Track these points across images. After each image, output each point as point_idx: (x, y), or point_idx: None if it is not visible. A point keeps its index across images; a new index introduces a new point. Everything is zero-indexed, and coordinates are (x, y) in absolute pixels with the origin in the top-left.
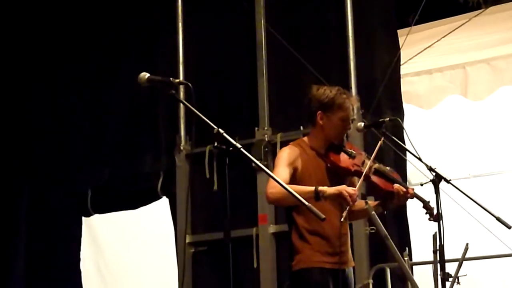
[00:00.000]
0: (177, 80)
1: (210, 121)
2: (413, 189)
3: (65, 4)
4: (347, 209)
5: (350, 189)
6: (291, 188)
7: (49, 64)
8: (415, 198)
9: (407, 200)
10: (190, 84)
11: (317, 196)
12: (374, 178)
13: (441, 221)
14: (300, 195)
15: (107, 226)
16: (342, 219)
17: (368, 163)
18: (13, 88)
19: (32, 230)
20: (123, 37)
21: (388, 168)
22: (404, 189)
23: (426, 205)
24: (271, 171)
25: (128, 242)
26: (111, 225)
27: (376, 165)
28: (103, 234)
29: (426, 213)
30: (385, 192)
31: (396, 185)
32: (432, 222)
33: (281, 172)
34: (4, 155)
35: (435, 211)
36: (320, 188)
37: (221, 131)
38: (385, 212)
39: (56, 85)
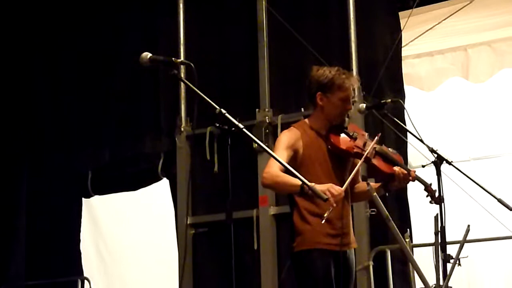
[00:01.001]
0: (179, 60)
1: (207, 100)
2: (414, 172)
3: None
4: (330, 210)
5: (336, 189)
6: (283, 177)
7: (50, 45)
8: (416, 181)
9: (408, 182)
10: (192, 64)
11: (301, 191)
12: (375, 161)
13: (442, 204)
14: (286, 185)
15: (107, 207)
16: (322, 221)
17: (370, 145)
18: (14, 69)
19: (32, 212)
20: (124, 18)
21: (390, 149)
22: (405, 172)
23: (427, 187)
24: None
25: (128, 224)
26: (111, 206)
27: (378, 147)
28: (103, 215)
29: (427, 196)
30: (385, 175)
31: (397, 168)
32: (433, 204)
33: (279, 154)
34: (4, 137)
35: (436, 194)
36: (310, 184)
37: (223, 111)
38: (387, 194)
39: (57, 65)
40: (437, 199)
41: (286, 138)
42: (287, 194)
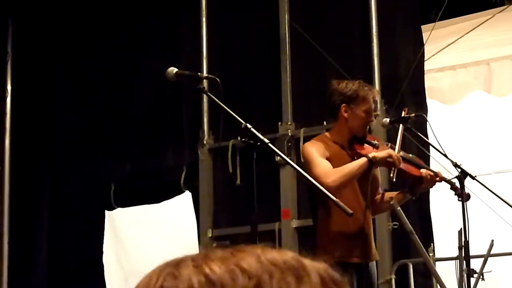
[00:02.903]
0: (205, 75)
1: (233, 114)
2: (440, 172)
3: None
4: (394, 170)
5: (396, 152)
6: (342, 169)
7: (73, 56)
8: (442, 182)
9: (435, 183)
10: (217, 79)
11: (370, 163)
12: (402, 165)
13: (465, 214)
14: (356, 169)
15: (130, 220)
16: (393, 178)
17: (395, 151)
18: (37, 79)
19: (55, 224)
20: (146, 31)
21: (411, 155)
22: (432, 174)
23: (453, 186)
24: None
25: (150, 236)
26: (133, 219)
27: (402, 153)
28: (126, 228)
29: (455, 194)
30: (413, 178)
31: (424, 170)
32: (456, 214)
33: (321, 161)
34: (27, 149)
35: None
36: (371, 154)
37: (248, 125)
38: (413, 198)
39: (80, 78)
40: (466, 197)
41: (315, 149)
42: (310, 206)
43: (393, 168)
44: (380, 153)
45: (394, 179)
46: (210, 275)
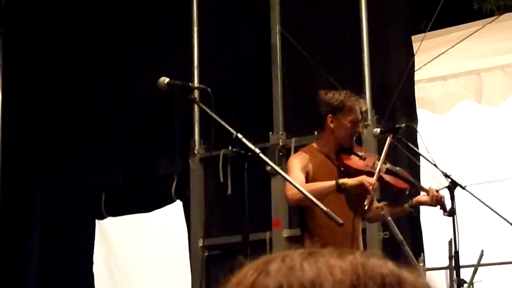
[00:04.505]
0: (197, 85)
1: (224, 124)
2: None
3: (78, 8)
4: (369, 197)
5: (370, 179)
6: (311, 186)
7: (65, 66)
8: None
9: (436, 206)
10: (209, 89)
11: (339, 188)
12: (387, 177)
13: (455, 224)
14: (322, 190)
15: (121, 229)
16: (366, 207)
17: (379, 163)
18: (28, 89)
19: (46, 233)
20: (138, 41)
21: (398, 168)
22: (439, 196)
23: (442, 206)
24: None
25: (141, 246)
26: (124, 228)
27: (388, 165)
28: (116, 237)
29: (440, 209)
30: (398, 190)
31: (432, 188)
32: (446, 224)
33: (297, 175)
34: (18, 157)
35: (448, 206)
36: (341, 180)
37: (239, 136)
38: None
39: (71, 86)
40: (450, 212)
41: (298, 161)
42: (298, 216)
43: (368, 196)
44: (351, 180)
45: (366, 207)
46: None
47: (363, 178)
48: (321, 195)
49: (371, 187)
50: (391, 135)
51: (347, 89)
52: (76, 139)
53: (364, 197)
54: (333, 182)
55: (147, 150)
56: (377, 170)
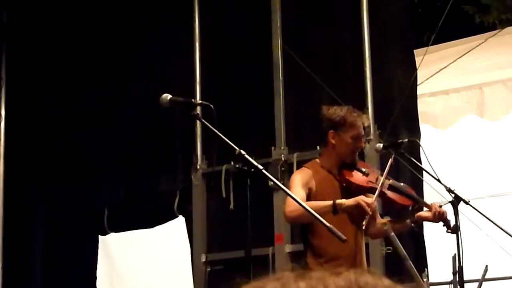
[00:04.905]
0: (199, 102)
1: (227, 141)
2: (439, 206)
3: (77, 19)
4: (367, 218)
5: (368, 199)
6: (308, 204)
7: (64, 82)
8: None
9: (439, 222)
10: (211, 106)
11: (334, 209)
12: (390, 193)
13: (459, 239)
14: (317, 210)
15: (123, 244)
16: (363, 227)
17: (381, 179)
18: (31, 105)
19: (48, 249)
20: (139, 56)
21: (401, 184)
22: (442, 211)
23: (446, 223)
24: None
25: (144, 261)
26: (127, 244)
27: (391, 181)
28: (119, 252)
29: (443, 225)
30: (401, 206)
31: (435, 205)
32: (450, 239)
33: (298, 191)
34: (20, 174)
35: (451, 223)
36: (338, 201)
37: (242, 152)
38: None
39: (72, 103)
40: (453, 229)
41: (300, 177)
42: (301, 232)
43: (366, 217)
44: (348, 201)
45: (364, 227)
46: None
47: (360, 198)
48: (315, 211)
49: (368, 208)
50: (393, 155)
51: (350, 104)
52: (79, 155)
53: (364, 215)
54: (329, 203)
55: (150, 165)
56: (379, 186)
